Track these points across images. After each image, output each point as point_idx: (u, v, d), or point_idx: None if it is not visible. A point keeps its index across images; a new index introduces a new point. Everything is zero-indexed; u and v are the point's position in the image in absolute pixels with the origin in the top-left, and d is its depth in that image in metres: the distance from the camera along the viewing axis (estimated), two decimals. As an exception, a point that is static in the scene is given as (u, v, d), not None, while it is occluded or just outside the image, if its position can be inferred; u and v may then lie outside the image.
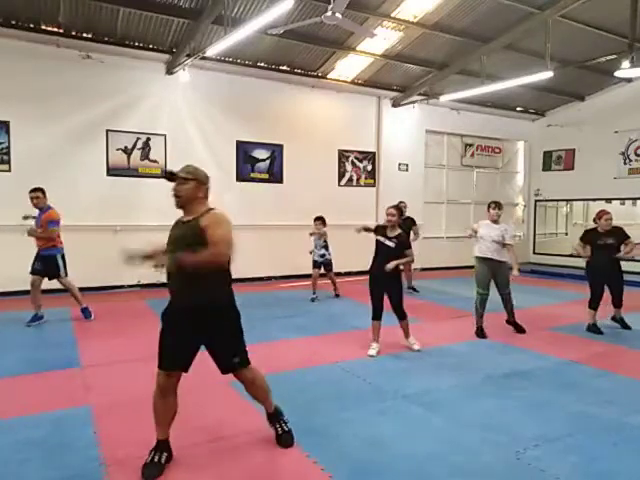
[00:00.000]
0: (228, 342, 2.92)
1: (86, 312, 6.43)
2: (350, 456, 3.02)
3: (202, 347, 2.93)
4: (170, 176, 2.85)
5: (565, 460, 3.00)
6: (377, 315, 5.16)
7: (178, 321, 2.84)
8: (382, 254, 5.08)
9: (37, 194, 6.12)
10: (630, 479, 2.85)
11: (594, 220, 6.31)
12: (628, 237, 6.09)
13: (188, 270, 2.68)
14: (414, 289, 8.95)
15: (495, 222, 5.89)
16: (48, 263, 6.17)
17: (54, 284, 6.36)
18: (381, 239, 5.11)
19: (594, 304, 6.14)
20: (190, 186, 2.83)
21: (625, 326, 6.32)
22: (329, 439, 3.23)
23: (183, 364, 2.86)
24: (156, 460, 2.82)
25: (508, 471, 2.89)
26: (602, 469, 2.91)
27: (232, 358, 2.94)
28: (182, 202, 2.86)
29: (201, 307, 2.80)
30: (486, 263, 5.85)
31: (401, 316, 5.21)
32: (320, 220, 8.12)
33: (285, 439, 3.14)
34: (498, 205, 5.91)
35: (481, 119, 12.80)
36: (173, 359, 2.84)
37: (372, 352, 5.07)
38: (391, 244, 5.07)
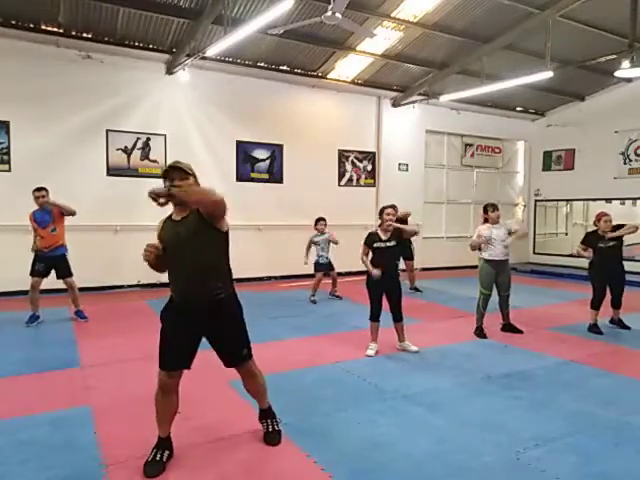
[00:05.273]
0: (238, 334, 2.96)
1: (81, 314, 6.42)
2: (350, 456, 3.02)
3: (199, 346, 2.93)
4: (171, 169, 2.76)
5: (565, 460, 3.00)
6: (376, 316, 5.15)
7: (183, 319, 2.83)
8: (386, 255, 5.08)
9: (43, 192, 6.05)
10: None
11: (594, 223, 6.33)
12: (622, 226, 6.18)
13: (201, 260, 2.74)
14: (417, 289, 8.95)
15: (496, 223, 5.93)
16: (61, 262, 6.17)
17: (52, 284, 6.34)
18: (381, 245, 5.07)
19: (596, 304, 6.14)
20: (191, 182, 2.78)
21: (624, 326, 6.33)
22: (329, 439, 3.23)
23: (186, 363, 2.87)
24: (158, 458, 2.83)
25: (508, 471, 2.89)
26: (602, 469, 2.91)
27: (242, 350, 2.98)
28: None
29: (214, 302, 2.82)
30: (494, 265, 5.87)
31: (398, 317, 5.19)
32: (324, 220, 8.12)
33: (273, 437, 3.15)
34: (496, 207, 6.00)
35: (481, 119, 12.80)
36: (177, 359, 2.84)
37: (370, 352, 5.07)
38: (392, 243, 5.09)
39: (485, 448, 3.13)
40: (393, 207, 5.22)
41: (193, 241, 2.74)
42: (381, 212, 5.17)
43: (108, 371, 4.53)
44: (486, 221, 5.99)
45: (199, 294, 2.80)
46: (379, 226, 5.18)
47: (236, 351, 2.98)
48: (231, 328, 2.94)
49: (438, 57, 10.06)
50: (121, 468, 2.84)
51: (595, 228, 6.30)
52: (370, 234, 5.20)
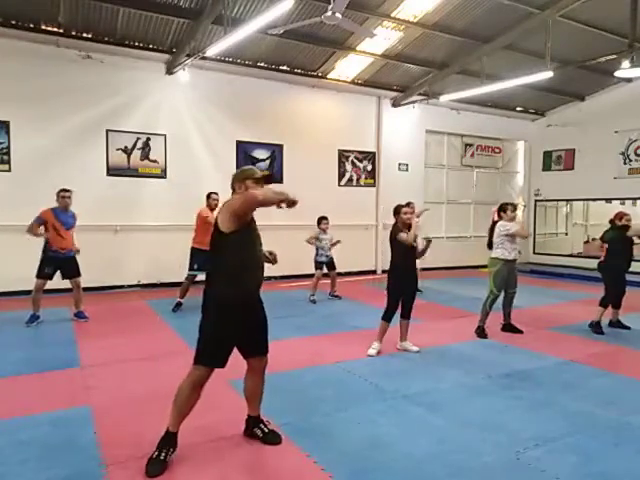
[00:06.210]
0: (267, 326, 3.15)
1: (81, 314, 6.43)
2: (350, 456, 3.02)
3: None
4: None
5: (565, 460, 3.00)
6: (390, 316, 5.14)
7: (242, 316, 2.93)
8: (409, 253, 5.11)
9: (70, 194, 6.16)
10: None
11: (612, 221, 6.34)
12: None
13: (263, 260, 3.14)
14: (417, 289, 8.95)
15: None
16: (73, 262, 6.26)
17: (52, 284, 6.33)
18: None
19: (606, 302, 6.16)
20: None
21: (623, 327, 6.33)
22: (329, 439, 3.23)
23: (226, 362, 2.96)
24: (162, 457, 2.82)
25: (508, 471, 2.89)
26: (602, 469, 2.91)
27: (267, 341, 3.15)
28: None
29: (259, 297, 3.11)
30: (510, 264, 5.89)
31: (407, 315, 5.23)
32: (327, 220, 8.15)
33: (273, 437, 3.16)
34: (516, 207, 6.13)
35: (481, 119, 12.80)
36: (224, 358, 2.93)
37: (372, 352, 5.07)
38: (415, 244, 5.15)
39: (485, 448, 3.14)
40: (408, 205, 5.29)
41: (260, 243, 3.08)
42: (398, 211, 5.12)
43: (108, 371, 4.53)
44: (500, 219, 5.98)
45: (257, 290, 3.06)
46: (395, 224, 5.15)
47: (265, 341, 3.12)
48: (265, 320, 3.14)
49: (438, 57, 10.06)
50: (121, 468, 2.83)
51: (610, 226, 6.32)
52: (395, 225, 5.13)
